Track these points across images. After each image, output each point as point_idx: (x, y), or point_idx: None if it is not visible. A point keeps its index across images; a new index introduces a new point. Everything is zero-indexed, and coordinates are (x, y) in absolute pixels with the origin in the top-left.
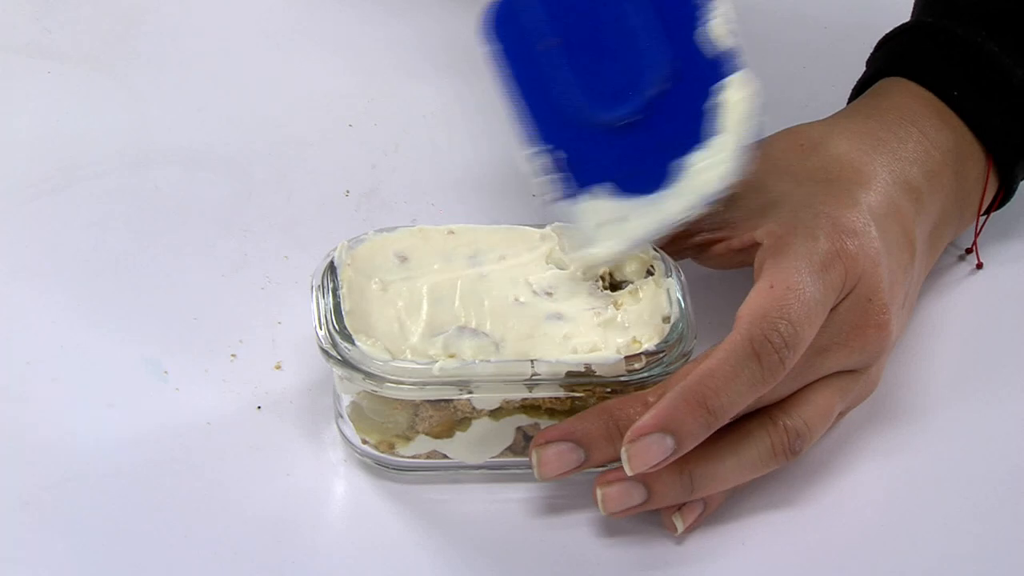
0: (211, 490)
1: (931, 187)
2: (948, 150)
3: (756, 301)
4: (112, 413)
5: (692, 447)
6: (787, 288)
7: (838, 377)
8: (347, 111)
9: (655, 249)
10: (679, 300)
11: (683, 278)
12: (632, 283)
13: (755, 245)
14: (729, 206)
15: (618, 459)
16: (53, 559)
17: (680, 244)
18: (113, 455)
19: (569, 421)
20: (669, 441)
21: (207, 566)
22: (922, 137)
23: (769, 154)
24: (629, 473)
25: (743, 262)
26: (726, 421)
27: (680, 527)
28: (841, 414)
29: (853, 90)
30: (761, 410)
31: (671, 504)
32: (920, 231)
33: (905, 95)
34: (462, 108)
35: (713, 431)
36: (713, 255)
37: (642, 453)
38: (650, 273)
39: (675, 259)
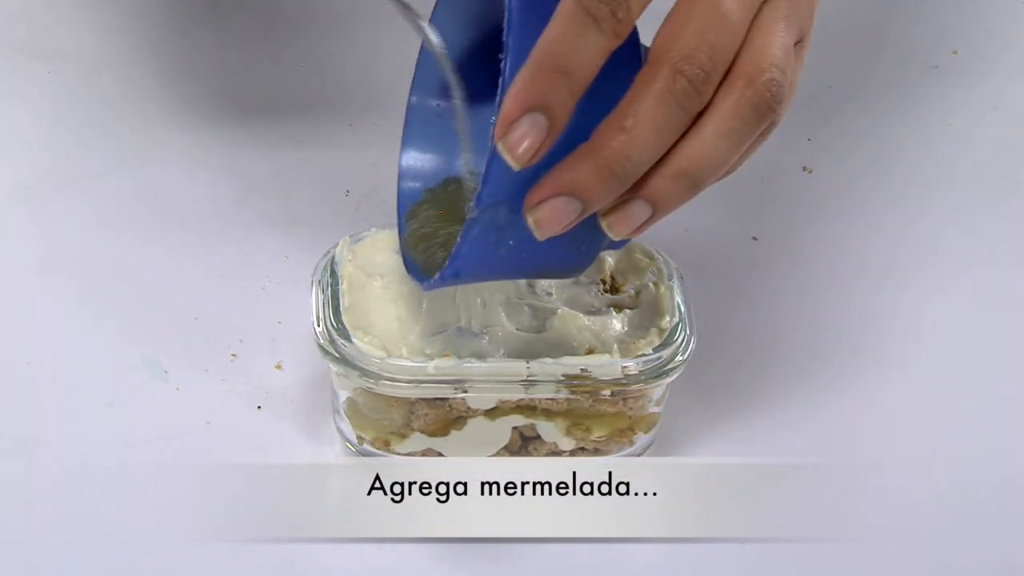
0: (211, 489)
1: None
2: None
3: None
4: (112, 413)
5: (562, 118)
6: None
7: (767, 5)
8: (347, 111)
9: (658, 253)
10: (679, 304)
11: (685, 282)
12: (633, 286)
13: None
14: None
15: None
16: (53, 559)
17: None
18: (113, 455)
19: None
20: (540, 119)
21: (207, 565)
22: None
23: None
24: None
25: None
26: (585, 80)
27: (621, 231)
28: (800, 43)
29: None
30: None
31: (607, 202)
32: None
33: None
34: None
35: (577, 95)
36: None
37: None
38: (652, 277)
39: None
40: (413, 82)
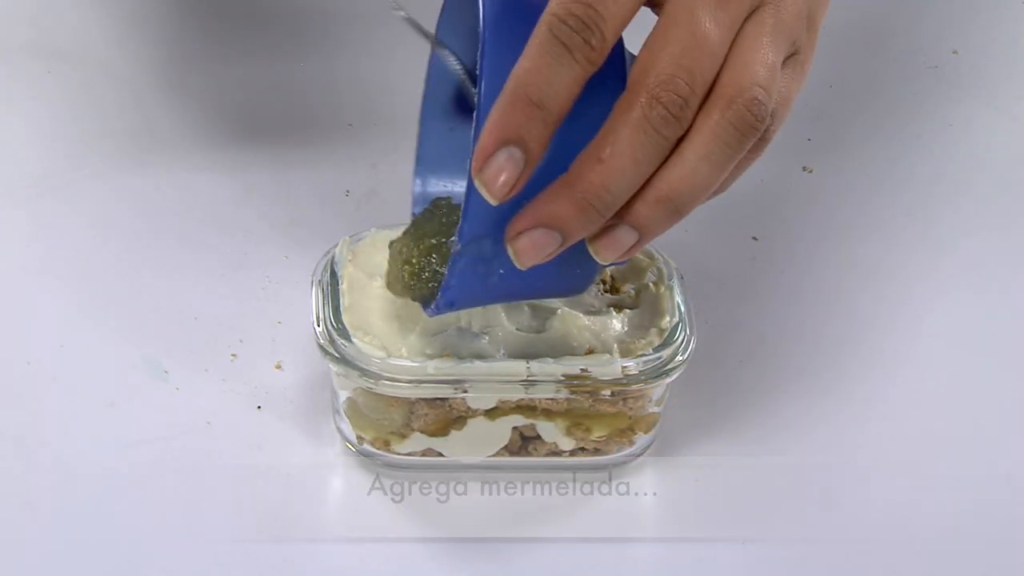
0: (211, 489)
1: None
2: None
3: None
4: (112, 413)
5: (538, 151)
6: None
7: (750, 22)
8: (347, 111)
9: (658, 253)
10: (679, 304)
11: (685, 282)
12: (633, 286)
13: None
14: None
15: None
16: (53, 559)
17: None
18: (113, 455)
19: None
20: (516, 153)
21: (207, 565)
22: None
23: None
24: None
25: None
26: (560, 111)
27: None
28: (794, 57)
29: None
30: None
31: (588, 232)
32: None
33: None
34: None
35: (553, 126)
36: None
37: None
38: (652, 277)
39: None
40: (423, 102)
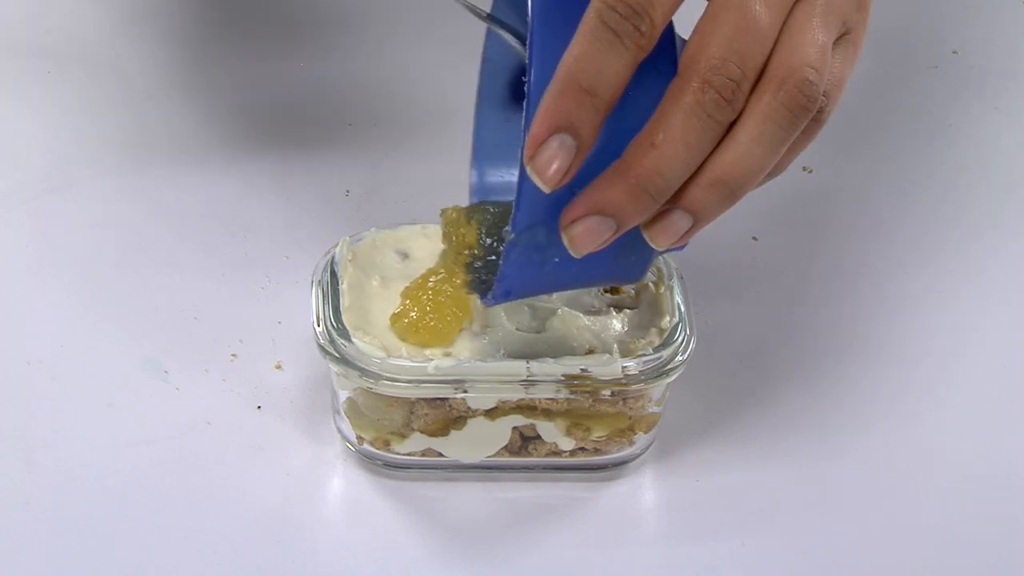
0: (211, 489)
1: None
2: None
3: None
4: (112, 413)
5: (590, 137)
6: None
7: (800, 4)
8: (347, 111)
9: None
10: (679, 304)
11: (685, 282)
12: (633, 287)
13: None
14: None
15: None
16: (53, 559)
17: None
18: (113, 455)
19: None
20: (568, 140)
21: (207, 565)
22: None
23: None
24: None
25: None
26: (611, 97)
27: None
28: (845, 37)
29: None
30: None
31: (642, 218)
32: None
33: None
34: (463, 107)
35: (604, 113)
36: None
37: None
38: (652, 277)
39: None
40: (479, 92)
